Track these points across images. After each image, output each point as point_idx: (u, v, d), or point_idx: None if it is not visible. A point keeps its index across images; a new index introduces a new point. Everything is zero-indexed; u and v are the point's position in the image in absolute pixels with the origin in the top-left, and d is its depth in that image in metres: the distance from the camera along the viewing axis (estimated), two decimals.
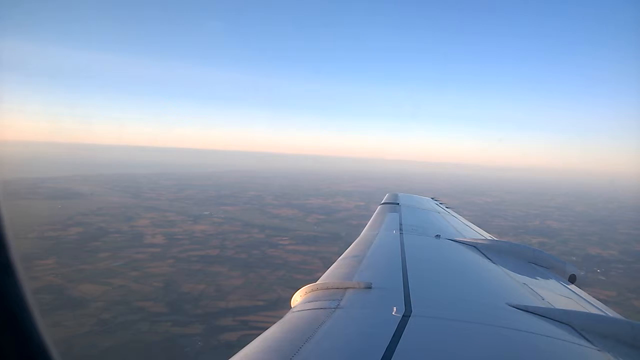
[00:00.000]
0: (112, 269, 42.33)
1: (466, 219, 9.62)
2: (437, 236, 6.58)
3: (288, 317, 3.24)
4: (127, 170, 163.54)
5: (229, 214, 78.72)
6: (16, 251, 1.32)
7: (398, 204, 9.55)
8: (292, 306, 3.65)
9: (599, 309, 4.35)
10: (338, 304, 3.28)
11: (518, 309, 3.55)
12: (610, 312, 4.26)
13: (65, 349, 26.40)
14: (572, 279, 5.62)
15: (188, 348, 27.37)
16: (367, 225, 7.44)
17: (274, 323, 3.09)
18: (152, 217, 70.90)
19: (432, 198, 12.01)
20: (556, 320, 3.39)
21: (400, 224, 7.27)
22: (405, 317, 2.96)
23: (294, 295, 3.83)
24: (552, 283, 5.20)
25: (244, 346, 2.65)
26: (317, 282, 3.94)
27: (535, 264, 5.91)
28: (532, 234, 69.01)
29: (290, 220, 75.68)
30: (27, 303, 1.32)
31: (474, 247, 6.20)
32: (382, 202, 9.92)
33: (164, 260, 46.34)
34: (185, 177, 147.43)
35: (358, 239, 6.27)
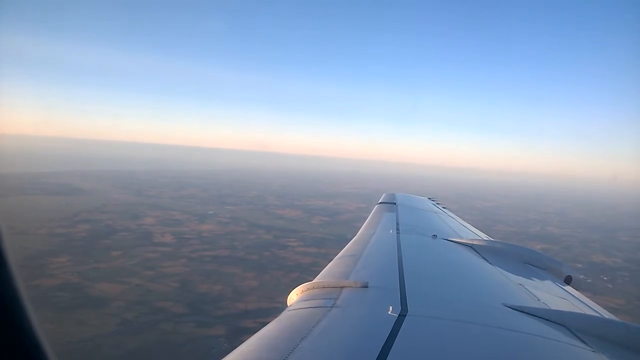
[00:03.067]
0: (127, 267, 42.33)
1: (467, 222, 9.60)
2: (434, 236, 6.54)
3: (284, 315, 3.23)
4: (125, 166, 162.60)
5: (234, 213, 78.78)
6: (8, 242, 1.31)
7: (395, 203, 9.50)
8: (288, 305, 3.63)
9: (594, 310, 4.35)
10: (334, 303, 3.27)
11: (514, 309, 3.54)
12: (606, 314, 4.25)
13: (92, 348, 26.66)
14: (567, 280, 5.59)
15: (215, 349, 27.56)
16: (364, 225, 7.38)
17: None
18: (158, 215, 70.76)
19: (429, 198, 12.01)
20: (551, 321, 3.38)
21: (397, 224, 7.21)
22: (401, 316, 2.96)
23: (290, 294, 3.83)
24: (548, 284, 5.19)
25: None
26: (313, 281, 3.93)
27: (531, 265, 5.88)
28: (534, 240, 69.77)
29: (295, 222, 75.93)
30: (19, 294, 1.29)
31: (471, 247, 6.19)
32: (379, 201, 9.86)
33: (177, 260, 46.40)
34: (183, 175, 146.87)
35: (355, 238, 6.28)
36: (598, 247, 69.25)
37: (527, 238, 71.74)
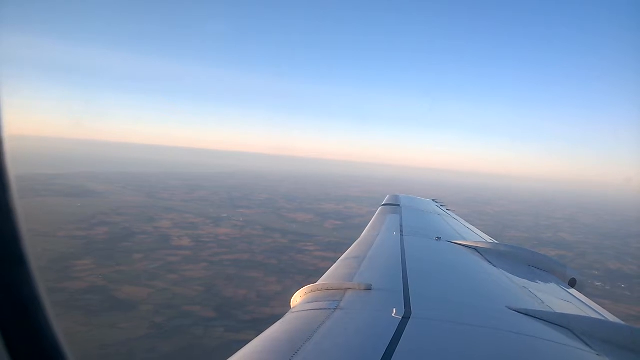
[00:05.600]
0: (150, 271, 42.71)
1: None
2: (438, 238, 6.56)
3: (288, 317, 3.23)
4: (134, 168, 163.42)
5: (247, 217, 79.17)
6: (29, 244, 1.32)
7: (399, 205, 9.50)
8: (292, 306, 3.63)
9: (598, 313, 4.34)
10: (338, 305, 3.27)
11: (518, 312, 3.53)
12: (610, 317, 4.24)
13: (127, 352, 26.95)
14: (572, 283, 5.59)
15: None
16: (367, 226, 7.41)
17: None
18: (173, 218, 71.23)
19: (433, 200, 12.09)
20: (555, 324, 3.37)
21: (401, 226, 7.21)
22: (405, 319, 2.96)
23: (294, 296, 3.82)
24: (552, 287, 5.18)
25: None
26: (317, 283, 3.94)
27: (536, 267, 5.86)
28: (548, 247, 69.62)
29: (308, 226, 76.24)
30: (40, 296, 1.31)
31: (475, 249, 6.18)
32: (383, 203, 9.91)
33: (198, 263, 46.78)
34: (192, 177, 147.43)
35: (359, 239, 6.30)
36: (612, 254, 69.06)
37: (540, 244, 71.63)
